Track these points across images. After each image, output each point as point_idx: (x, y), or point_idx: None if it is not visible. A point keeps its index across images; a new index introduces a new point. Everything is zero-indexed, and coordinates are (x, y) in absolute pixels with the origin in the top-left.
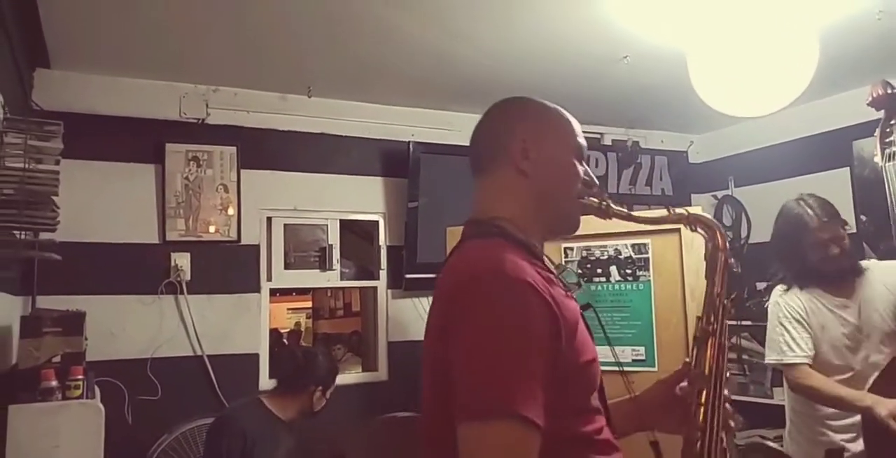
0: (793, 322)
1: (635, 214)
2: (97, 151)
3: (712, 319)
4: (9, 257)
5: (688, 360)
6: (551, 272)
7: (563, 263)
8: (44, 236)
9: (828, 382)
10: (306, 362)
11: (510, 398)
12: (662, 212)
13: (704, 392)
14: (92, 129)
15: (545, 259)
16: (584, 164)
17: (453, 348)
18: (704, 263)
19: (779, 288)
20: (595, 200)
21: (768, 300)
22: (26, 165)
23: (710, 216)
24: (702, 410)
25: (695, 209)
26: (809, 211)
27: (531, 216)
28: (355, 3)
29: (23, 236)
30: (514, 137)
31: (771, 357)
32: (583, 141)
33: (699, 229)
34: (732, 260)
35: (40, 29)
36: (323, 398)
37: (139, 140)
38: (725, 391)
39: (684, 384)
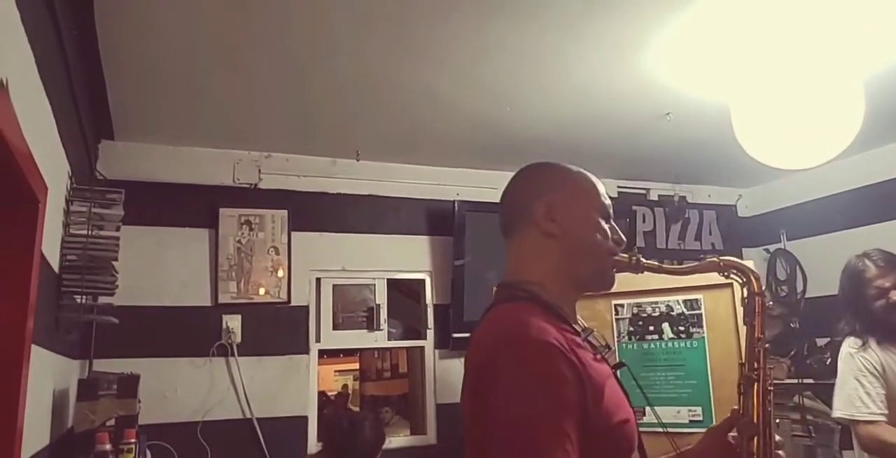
0: (868, 376)
1: (666, 266)
2: (155, 216)
3: (755, 365)
4: (70, 321)
5: (736, 407)
6: (579, 335)
7: (614, 320)
8: (102, 299)
9: None
10: (351, 431)
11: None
12: (693, 263)
13: (756, 440)
14: (151, 196)
15: (578, 321)
16: (612, 222)
17: (484, 415)
18: (742, 308)
19: (851, 341)
20: (625, 255)
21: (830, 357)
22: (89, 232)
23: (741, 261)
24: None
25: (748, 262)
26: (867, 261)
27: (562, 277)
28: (402, 71)
29: (83, 301)
30: (539, 201)
31: (842, 412)
32: (607, 201)
33: (733, 275)
34: (771, 303)
35: (107, 104)
36: None
37: (195, 205)
38: (777, 438)
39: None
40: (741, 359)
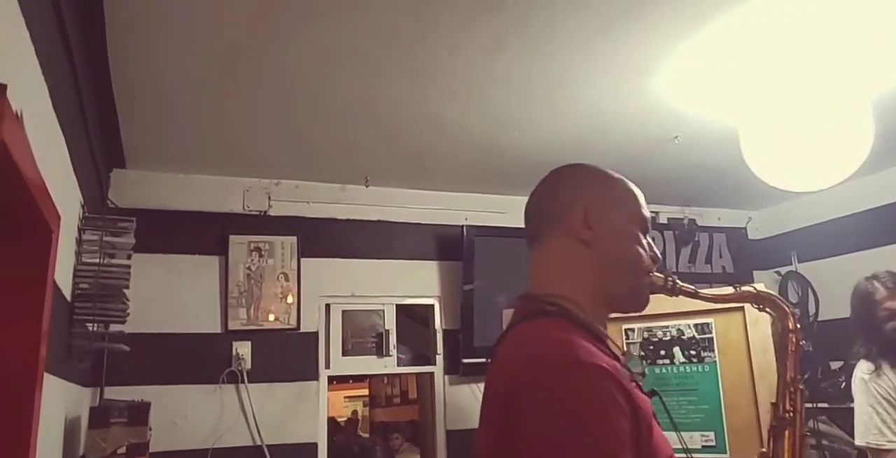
0: (882, 403)
1: (702, 292)
2: (165, 244)
3: (788, 406)
4: (82, 349)
5: (764, 451)
6: (618, 359)
7: (625, 345)
8: (114, 327)
9: None
10: (362, 455)
11: None
12: (729, 289)
13: None
14: (161, 223)
15: (610, 343)
16: (648, 238)
17: (522, 444)
18: (773, 345)
19: (864, 365)
20: (660, 276)
21: (844, 381)
22: (101, 260)
23: (777, 295)
24: None
25: (758, 286)
26: (877, 283)
27: (593, 292)
28: (409, 97)
29: (95, 328)
30: (576, 205)
31: (863, 440)
32: (648, 213)
33: (767, 309)
34: (804, 342)
35: (118, 133)
36: None
37: (205, 233)
38: None
39: None
40: (774, 399)
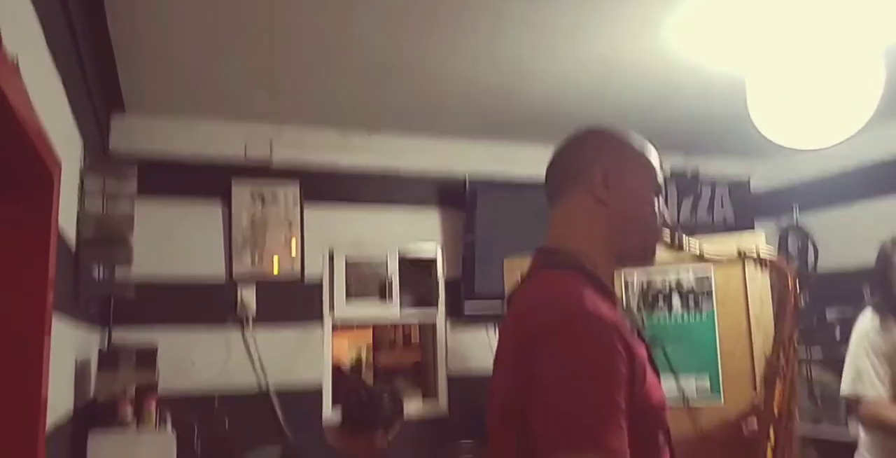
0: (880, 357)
1: (707, 254)
2: (168, 190)
3: (781, 359)
4: (89, 294)
5: (756, 403)
6: (621, 309)
7: (624, 295)
8: (119, 273)
9: None
10: (370, 401)
11: (602, 430)
12: (734, 251)
13: (773, 432)
14: (164, 170)
15: (615, 296)
16: (661, 203)
17: (535, 385)
18: (771, 298)
19: (871, 315)
20: (668, 240)
21: (839, 331)
22: (104, 207)
23: (780, 257)
24: (771, 451)
25: (752, 237)
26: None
27: (605, 247)
28: (415, 46)
29: (100, 274)
30: (596, 165)
31: (852, 390)
32: (662, 178)
33: (769, 270)
34: (803, 303)
35: (117, 78)
36: (385, 440)
37: (207, 179)
38: (794, 429)
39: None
40: (769, 353)
